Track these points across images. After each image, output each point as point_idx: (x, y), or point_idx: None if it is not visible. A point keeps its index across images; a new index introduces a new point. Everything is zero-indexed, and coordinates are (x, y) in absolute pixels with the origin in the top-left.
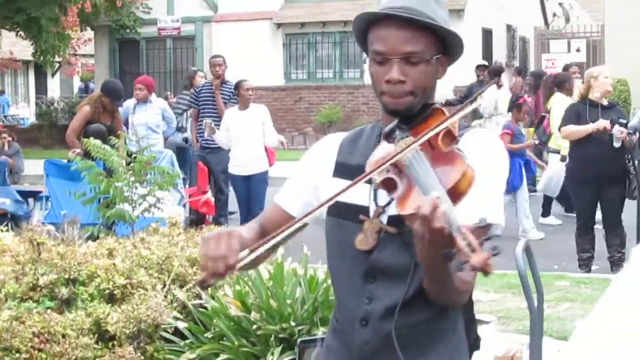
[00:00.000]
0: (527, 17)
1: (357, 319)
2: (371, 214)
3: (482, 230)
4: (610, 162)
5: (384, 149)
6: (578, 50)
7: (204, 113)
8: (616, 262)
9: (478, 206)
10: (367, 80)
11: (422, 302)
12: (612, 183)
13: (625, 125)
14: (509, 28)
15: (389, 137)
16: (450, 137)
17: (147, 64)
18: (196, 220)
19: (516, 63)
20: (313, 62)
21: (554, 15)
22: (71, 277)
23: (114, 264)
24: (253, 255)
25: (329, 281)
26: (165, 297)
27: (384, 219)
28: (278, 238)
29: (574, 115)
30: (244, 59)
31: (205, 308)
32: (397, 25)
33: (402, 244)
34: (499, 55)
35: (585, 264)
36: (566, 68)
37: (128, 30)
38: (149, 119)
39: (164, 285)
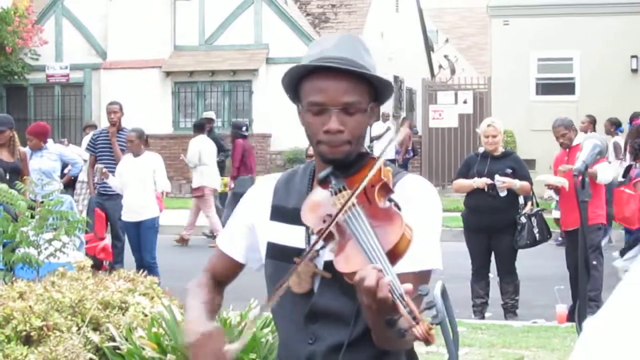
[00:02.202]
0: (414, 69)
1: (302, 358)
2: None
3: (421, 298)
4: (500, 212)
5: (319, 194)
6: (465, 102)
7: (101, 160)
8: (510, 309)
9: (419, 253)
10: (256, 129)
11: (367, 341)
12: (502, 232)
13: (513, 175)
14: (396, 79)
15: (324, 182)
16: (386, 189)
17: (35, 111)
18: (93, 266)
19: (403, 114)
20: (202, 110)
21: (440, 67)
22: None
23: (30, 306)
24: (241, 344)
25: (243, 324)
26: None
27: (320, 262)
28: (258, 315)
29: (464, 168)
30: (132, 107)
31: (120, 350)
32: (334, 76)
33: (341, 288)
34: (387, 106)
35: (479, 310)
36: None
37: (16, 77)
38: (42, 164)
39: (78, 328)
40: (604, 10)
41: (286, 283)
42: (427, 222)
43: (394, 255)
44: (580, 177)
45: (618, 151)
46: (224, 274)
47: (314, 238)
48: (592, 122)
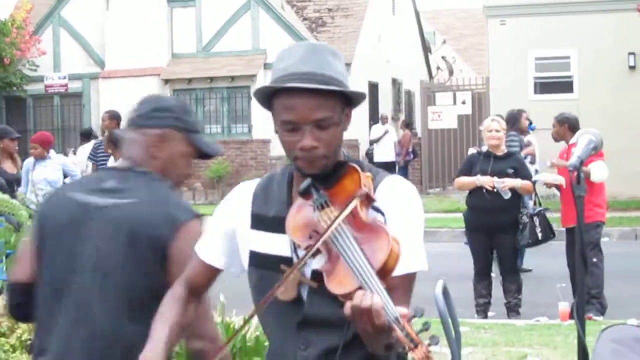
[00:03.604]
0: (412, 71)
1: None
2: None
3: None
4: (502, 211)
5: (301, 208)
6: (464, 103)
7: (101, 169)
8: (512, 308)
9: (404, 257)
10: (255, 135)
11: (360, 343)
12: (505, 231)
13: (514, 175)
14: (395, 82)
15: (304, 194)
16: (368, 199)
17: (35, 121)
18: None
19: (402, 116)
20: (201, 117)
21: (438, 68)
22: None
23: None
24: None
25: (246, 327)
26: None
27: (307, 271)
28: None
29: (467, 167)
30: None
31: None
32: (301, 94)
33: (330, 294)
34: (385, 108)
35: (482, 310)
36: None
37: (15, 88)
38: (48, 174)
39: None
40: (600, 7)
41: (273, 295)
42: (411, 224)
43: (384, 272)
44: (576, 173)
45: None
46: (201, 282)
47: (300, 251)
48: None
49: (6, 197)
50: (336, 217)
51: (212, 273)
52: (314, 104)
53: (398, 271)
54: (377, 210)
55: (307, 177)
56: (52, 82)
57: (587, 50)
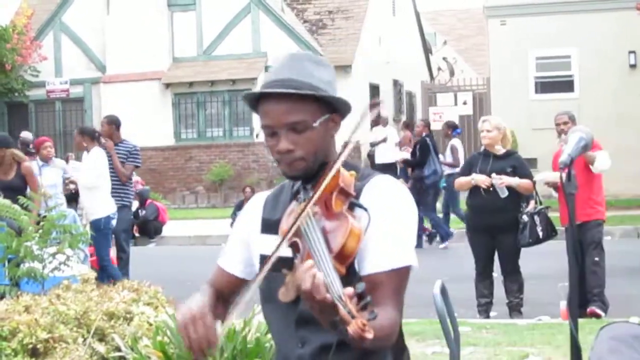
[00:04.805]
0: (413, 72)
1: None
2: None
3: (362, 296)
4: (502, 211)
5: (291, 206)
6: (465, 103)
7: None
8: (514, 308)
9: (388, 252)
10: (257, 137)
11: None
12: (505, 231)
13: (513, 173)
14: (396, 83)
15: (296, 197)
16: (344, 193)
17: (37, 127)
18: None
19: (403, 117)
20: (202, 121)
21: (439, 69)
22: None
23: (36, 319)
24: (226, 326)
25: (247, 329)
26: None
27: None
28: (237, 306)
29: (467, 167)
30: (133, 120)
31: (126, 359)
32: (276, 99)
33: None
34: (387, 110)
35: (484, 310)
36: None
37: (17, 94)
38: (56, 179)
39: (84, 339)
40: (600, 6)
41: (260, 276)
42: (396, 220)
43: (342, 255)
44: (566, 170)
45: (455, 153)
46: (225, 290)
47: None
48: (426, 125)
49: (7, 202)
50: (304, 207)
51: (234, 282)
52: (285, 108)
53: (382, 267)
54: (359, 206)
55: (294, 180)
56: (54, 87)
57: (587, 49)
